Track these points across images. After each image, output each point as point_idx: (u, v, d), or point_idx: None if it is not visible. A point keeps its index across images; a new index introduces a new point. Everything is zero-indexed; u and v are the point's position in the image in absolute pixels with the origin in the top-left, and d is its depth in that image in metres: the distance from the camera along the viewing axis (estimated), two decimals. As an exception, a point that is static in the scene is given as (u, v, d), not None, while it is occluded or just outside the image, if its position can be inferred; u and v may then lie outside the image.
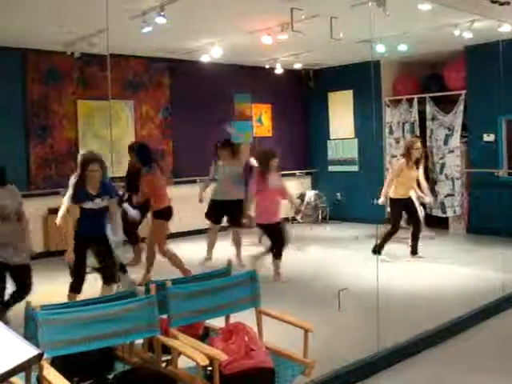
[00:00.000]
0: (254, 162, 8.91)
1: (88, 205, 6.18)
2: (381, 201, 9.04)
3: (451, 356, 5.23)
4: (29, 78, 9.96)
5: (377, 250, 8.36)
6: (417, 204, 9.45)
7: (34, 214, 9.73)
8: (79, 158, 6.70)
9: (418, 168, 9.07)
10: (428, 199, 9.46)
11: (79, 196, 6.20)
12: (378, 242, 8.76)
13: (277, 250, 7.80)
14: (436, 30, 9.12)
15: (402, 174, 8.87)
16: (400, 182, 8.89)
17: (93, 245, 6.36)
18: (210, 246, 9.02)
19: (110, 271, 6.40)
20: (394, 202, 8.97)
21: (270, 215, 7.81)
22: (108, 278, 6.37)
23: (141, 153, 8.04)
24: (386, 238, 8.89)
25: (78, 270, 6.25)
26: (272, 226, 7.84)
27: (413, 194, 9.23)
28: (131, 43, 9.59)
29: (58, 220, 7.34)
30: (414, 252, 9.12)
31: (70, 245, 6.12)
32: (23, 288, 6.10)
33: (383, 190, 9.03)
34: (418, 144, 9.03)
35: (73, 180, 6.63)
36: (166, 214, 7.79)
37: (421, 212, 10.05)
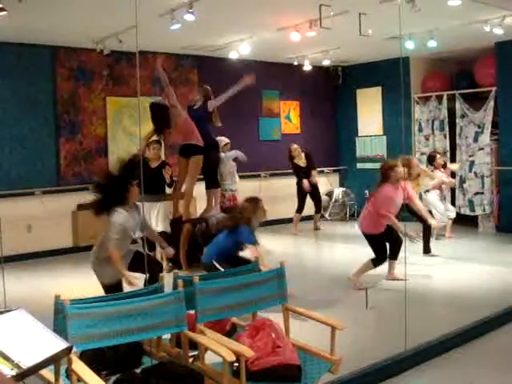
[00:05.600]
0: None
1: None
2: None
3: (479, 356, 5.16)
4: (59, 75, 10.02)
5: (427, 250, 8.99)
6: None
7: (63, 209, 9.88)
8: None
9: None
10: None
11: None
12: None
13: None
14: (466, 27, 9.03)
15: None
16: None
17: None
18: None
19: None
20: None
21: None
22: None
23: None
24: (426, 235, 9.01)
25: None
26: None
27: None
28: (160, 40, 9.64)
29: None
30: (425, 251, 9.04)
31: None
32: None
33: None
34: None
35: None
36: None
37: (452, 212, 10.42)
